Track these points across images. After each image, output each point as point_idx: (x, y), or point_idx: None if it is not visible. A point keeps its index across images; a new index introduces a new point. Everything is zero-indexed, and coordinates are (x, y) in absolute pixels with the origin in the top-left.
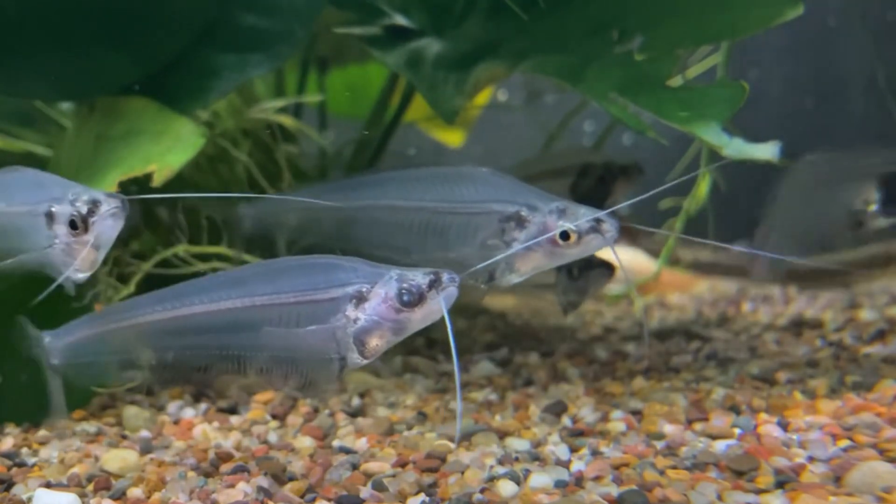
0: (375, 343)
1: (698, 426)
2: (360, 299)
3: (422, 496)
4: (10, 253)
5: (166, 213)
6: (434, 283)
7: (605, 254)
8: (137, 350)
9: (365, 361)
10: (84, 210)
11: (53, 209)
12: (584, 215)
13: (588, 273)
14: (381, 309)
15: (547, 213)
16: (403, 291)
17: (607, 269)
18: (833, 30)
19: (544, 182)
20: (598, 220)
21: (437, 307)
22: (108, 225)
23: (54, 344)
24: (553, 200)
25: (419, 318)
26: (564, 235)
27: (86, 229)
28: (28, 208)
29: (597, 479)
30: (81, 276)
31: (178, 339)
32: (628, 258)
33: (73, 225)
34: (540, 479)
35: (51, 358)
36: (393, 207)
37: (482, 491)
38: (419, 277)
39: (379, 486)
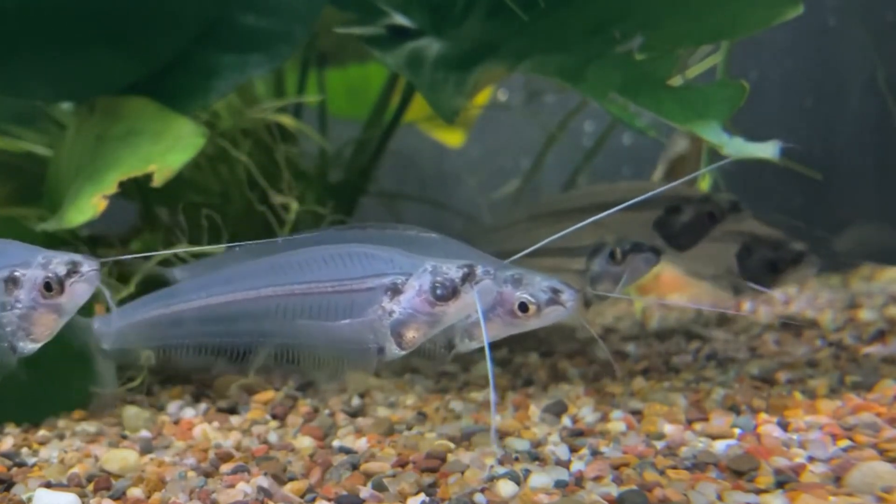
0: (412, 335)
1: (698, 426)
2: (395, 291)
3: (422, 496)
4: None
5: (166, 213)
6: (468, 277)
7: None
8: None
9: (403, 352)
10: (62, 272)
11: (18, 273)
12: (539, 285)
13: (633, 257)
14: (416, 302)
15: (502, 282)
16: (437, 285)
17: (654, 253)
18: (833, 29)
19: None
20: (555, 291)
21: (471, 300)
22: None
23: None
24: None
25: (454, 312)
26: (523, 307)
27: (61, 291)
28: None
29: (597, 479)
30: (32, 346)
31: (221, 326)
32: None
33: (47, 287)
34: (540, 479)
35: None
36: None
37: (482, 491)
38: (453, 271)
39: (379, 486)
